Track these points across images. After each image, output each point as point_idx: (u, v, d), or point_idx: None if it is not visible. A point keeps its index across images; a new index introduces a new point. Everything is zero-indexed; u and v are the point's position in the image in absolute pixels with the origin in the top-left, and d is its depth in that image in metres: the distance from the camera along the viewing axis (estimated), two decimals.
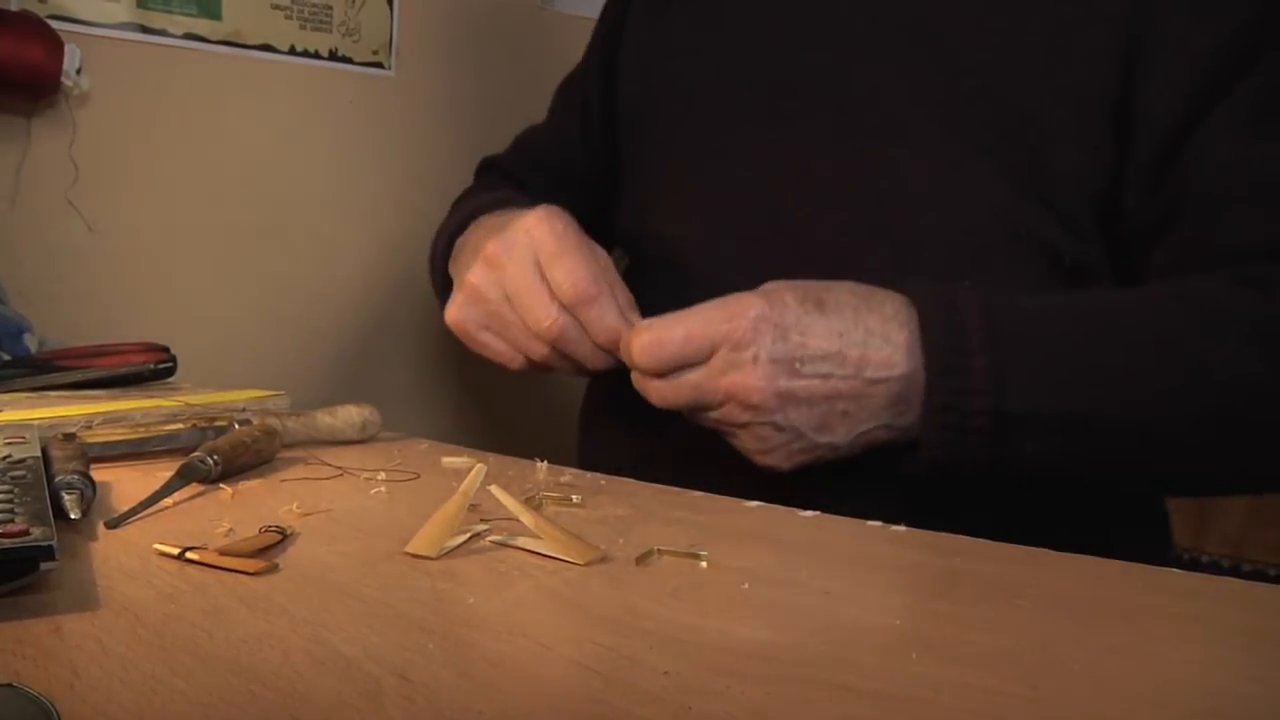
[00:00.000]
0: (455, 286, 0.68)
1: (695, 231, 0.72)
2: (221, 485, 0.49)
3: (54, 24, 0.85)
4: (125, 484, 0.49)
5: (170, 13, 0.93)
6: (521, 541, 0.40)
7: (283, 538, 0.39)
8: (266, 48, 0.99)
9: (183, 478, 0.47)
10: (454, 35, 1.12)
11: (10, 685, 0.23)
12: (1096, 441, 0.55)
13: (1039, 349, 0.54)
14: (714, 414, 0.57)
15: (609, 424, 0.79)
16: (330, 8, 1.02)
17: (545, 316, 0.61)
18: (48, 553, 0.31)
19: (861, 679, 0.27)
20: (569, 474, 0.57)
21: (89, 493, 0.42)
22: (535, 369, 0.67)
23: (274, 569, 0.35)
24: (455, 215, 0.79)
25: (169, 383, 0.78)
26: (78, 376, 0.73)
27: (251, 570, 0.35)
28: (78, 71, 0.86)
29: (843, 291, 0.56)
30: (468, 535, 0.40)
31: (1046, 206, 0.62)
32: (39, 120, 0.89)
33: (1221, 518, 1.51)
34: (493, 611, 0.32)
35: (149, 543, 0.38)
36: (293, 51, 1.01)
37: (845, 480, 0.58)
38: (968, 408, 0.53)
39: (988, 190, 0.62)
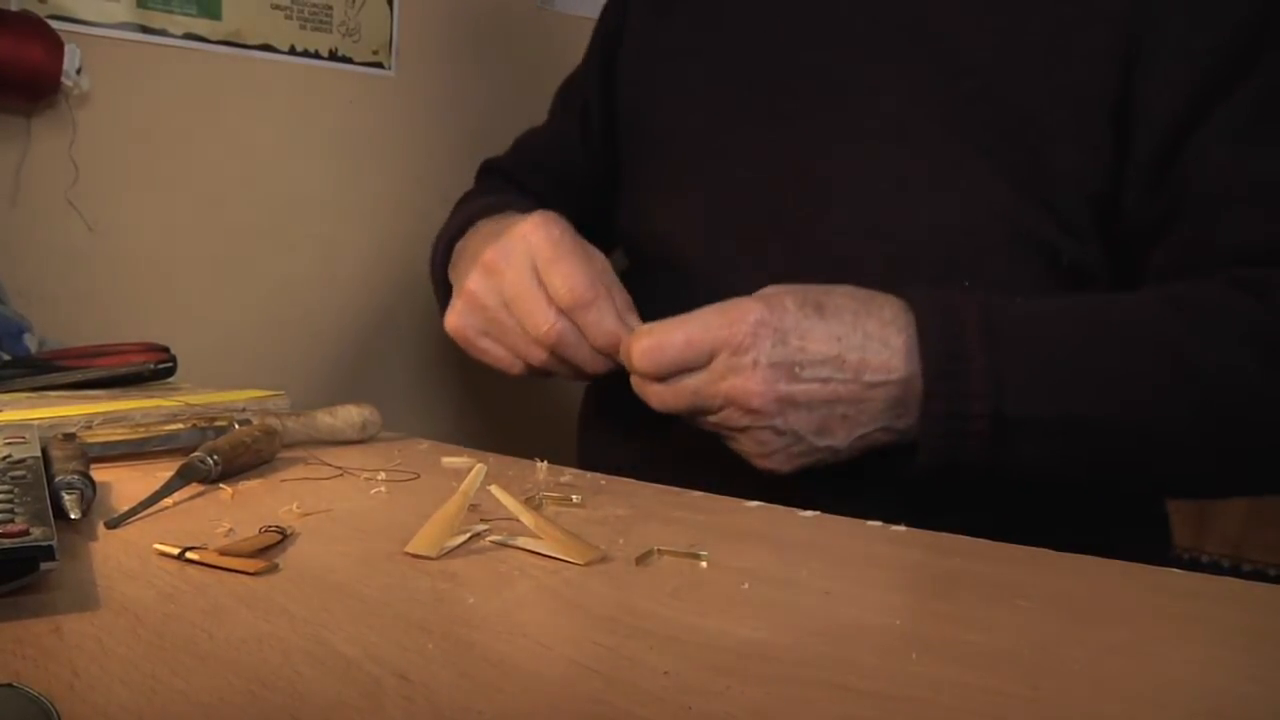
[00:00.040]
0: (454, 293, 0.68)
1: (695, 232, 0.72)
2: (221, 485, 0.49)
3: (54, 24, 0.85)
4: (125, 484, 0.49)
5: (170, 13, 0.93)
6: (521, 541, 0.40)
7: (283, 538, 0.39)
8: (266, 48, 0.99)
9: (183, 478, 0.47)
10: (454, 35, 1.12)
11: (10, 685, 0.23)
12: (1094, 445, 0.55)
13: (1037, 353, 0.55)
14: (713, 418, 0.57)
15: (608, 426, 0.79)
16: (330, 8, 1.02)
17: (543, 322, 0.61)
18: (48, 553, 0.31)
19: (861, 679, 0.27)
20: (569, 474, 0.57)
21: (89, 493, 0.42)
22: (535, 374, 0.67)
23: (274, 569, 0.35)
24: (454, 219, 0.79)
25: (169, 383, 0.78)
26: (78, 376, 0.73)
27: (251, 570, 0.35)
28: (78, 71, 0.86)
29: (841, 296, 0.56)
30: (468, 535, 0.40)
31: (1046, 207, 0.62)
32: (39, 120, 0.89)
33: (1221, 518, 1.51)
34: (493, 611, 0.32)
35: (149, 543, 0.38)
36: (293, 51, 1.01)
37: (845, 482, 0.58)
38: (966, 411, 0.53)
39: (987, 190, 0.62)
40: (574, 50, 0.94)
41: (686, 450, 0.63)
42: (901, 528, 0.46)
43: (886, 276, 0.59)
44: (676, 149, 0.76)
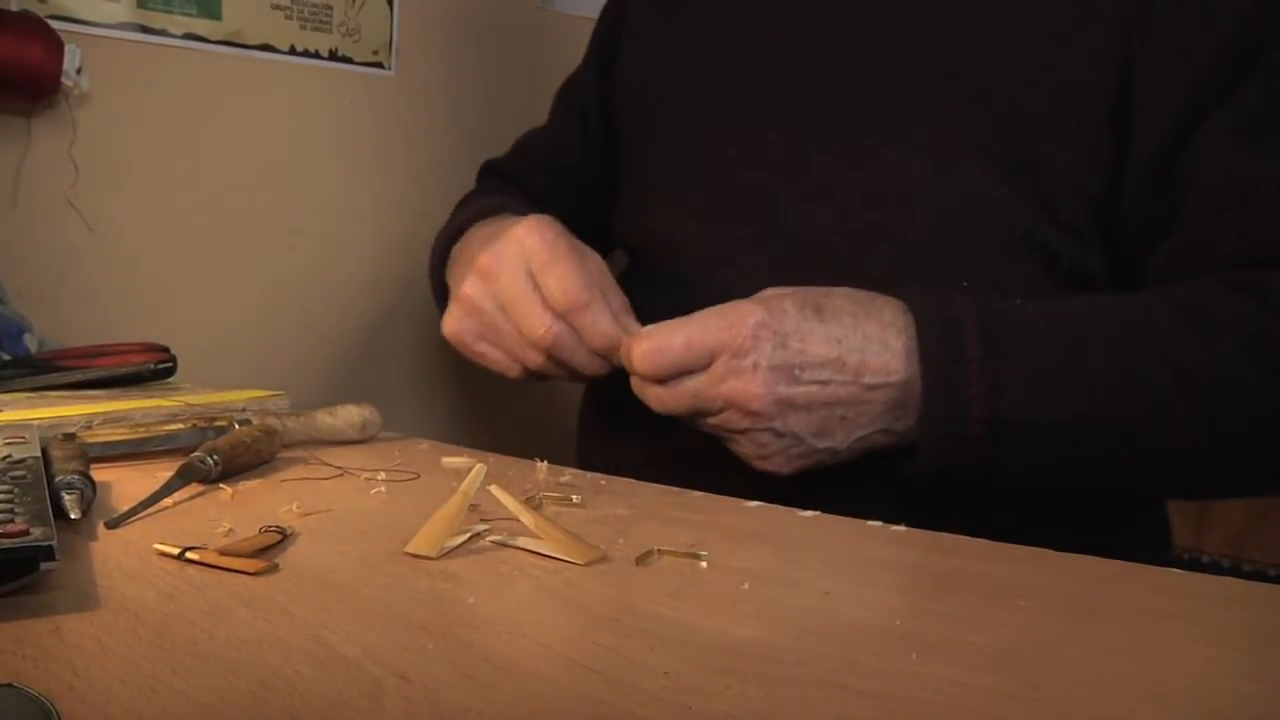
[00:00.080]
0: (451, 298, 0.68)
1: (693, 231, 0.72)
2: (221, 485, 0.49)
3: (54, 24, 0.85)
4: (125, 484, 0.49)
5: (170, 13, 0.93)
6: (521, 541, 0.40)
7: (283, 538, 0.39)
8: (266, 48, 0.99)
9: (183, 478, 0.47)
10: (454, 35, 1.12)
11: (10, 685, 0.23)
12: (1092, 448, 0.55)
13: (1035, 356, 0.55)
14: (713, 420, 0.57)
15: (608, 426, 0.79)
16: (330, 8, 1.02)
17: (539, 325, 0.61)
18: (48, 553, 0.31)
19: (861, 679, 0.27)
20: (569, 474, 0.57)
21: (89, 493, 0.42)
22: (532, 377, 0.67)
23: (274, 569, 0.35)
24: (452, 221, 0.79)
25: (169, 383, 0.78)
26: (78, 376, 0.73)
27: (251, 570, 0.35)
28: (78, 71, 0.85)
29: (840, 298, 0.56)
30: (468, 535, 0.40)
31: (1045, 208, 0.62)
32: (39, 120, 0.89)
33: (1221, 518, 1.51)
34: (493, 611, 0.32)
35: (149, 543, 0.38)
36: (293, 51, 1.01)
37: (844, 483, 0.58)
38: (964, 415, 0.53)
39: (986, 191, 0.62)
40: (574, 50, 0.94)
41: (686, 450, 0.63)
42: (901, 528, 0.46)
43: (886, 277, 0.59)
44: (675, 149, 0.76)
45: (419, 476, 0.54)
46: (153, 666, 0.26)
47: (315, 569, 0.36)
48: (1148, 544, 0.70)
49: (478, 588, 0.34)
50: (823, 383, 0.55)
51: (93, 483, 0.43)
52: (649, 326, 0.58)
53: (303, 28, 1.01)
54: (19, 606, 0.30)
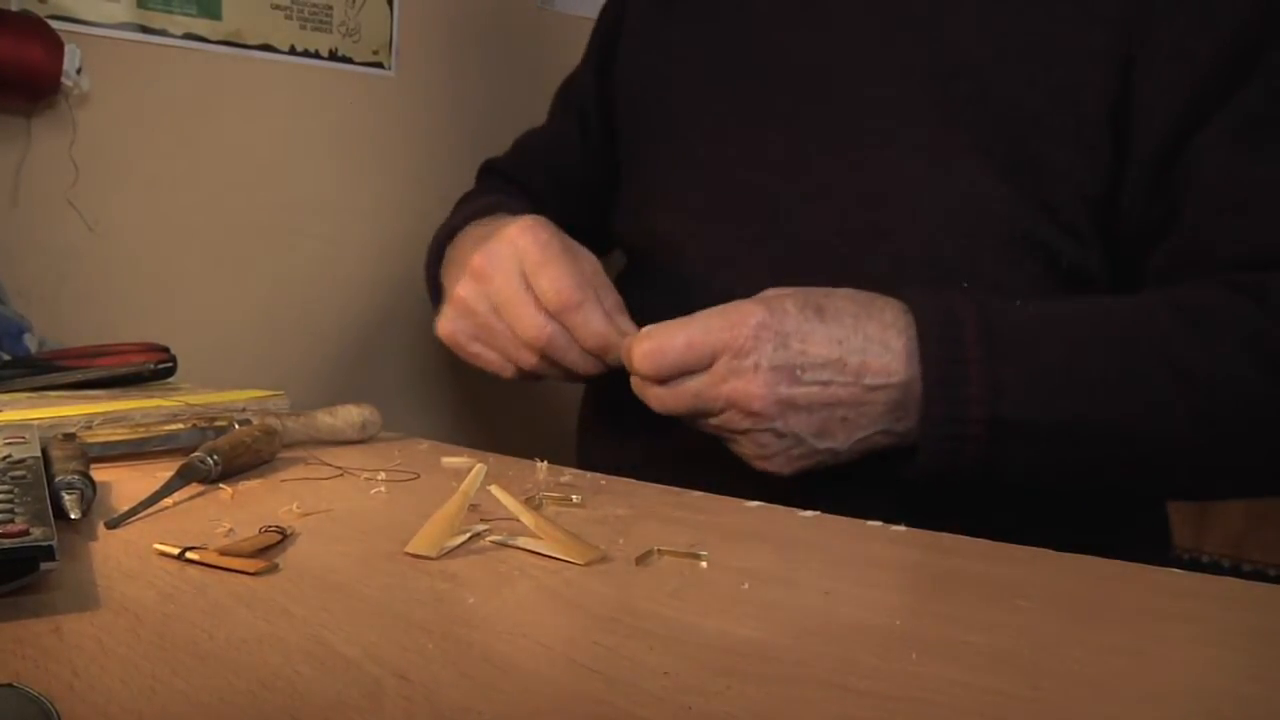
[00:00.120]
0: (445, 299, 0.68)
1: (693, 231, 0.72)
2: (221, 485, 0.49)
3: (54, 24, 0.85)
4: (125, 484, 0.49)
5: (170, 13, 0.93)
6: (521, 541, 0.40)
7: (283, 538, 0.39)
8: (266, 48, 0.99)
9: (183, 478, 0.47)
10: (454, 35, 1.12)
11: (10, 685, 0.23)
12: (1092, 449, 0.55)
13: (1035, 357, 0.55)
14: (714, 420, 0.57)
15: (608, 426, 0.79)
16: (330, 8, 1.02)
17: (532, 325, 0.61)
18: (48, 553, 0.31)
19: (861, 679, 0.27)
20: (569, 474, 0.57)
21: (89, 493, 0.42)
22: (527, 377, 0.67)
23: (274, 569, 0.35)
24: (448, 221, 0.79)
25: (169, 383, 0.78)
26: (78, 376, 0.73)
27: (251, 570, 0.35)
28: (78, 71, 0.85)
29: (841, 298, 0.56)
30: (468, 535, 0.40)
31: (1045, 208, 0.62)
32: (39, 120, 0.88)
33: (1221, 518, 1.50)
34: (493, 611, 0.32)
35: (149, 543, 0.38)
36: (293, 51, 1.01)
37: (844, 483, 0.58)
38: (965, 416, 0.53)
39: (985, 191, 0.62)
40: (574, 50, 0.94)
41: (686, 450, 0.63)
42: (901, 528, 0.46)
43: (886, 277, 0.59)
44: (674, 149, 0.76)
45: (419, 476, 0.54)
46: (153, 666, 0.26)
47: (315, 569, 0.36)
48: (1148, 544, 0.70)
49: (478, 588, 0.34)
50: (824, 383, 0.55)
51: (93, 483, 0.43)
52: (649, 326, 0.58)
53: (303, 28, 1.01)
54: (19, 606, 0.30)
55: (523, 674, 0.27)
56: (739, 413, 0.55)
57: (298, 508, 0.45)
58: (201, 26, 0.95)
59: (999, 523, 0.47)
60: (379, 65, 1.07)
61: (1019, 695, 0.26)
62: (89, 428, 0.57)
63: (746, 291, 0.57)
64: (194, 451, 0.49)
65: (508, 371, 0.67)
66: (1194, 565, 1.42)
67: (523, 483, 0.53)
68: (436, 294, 0.78)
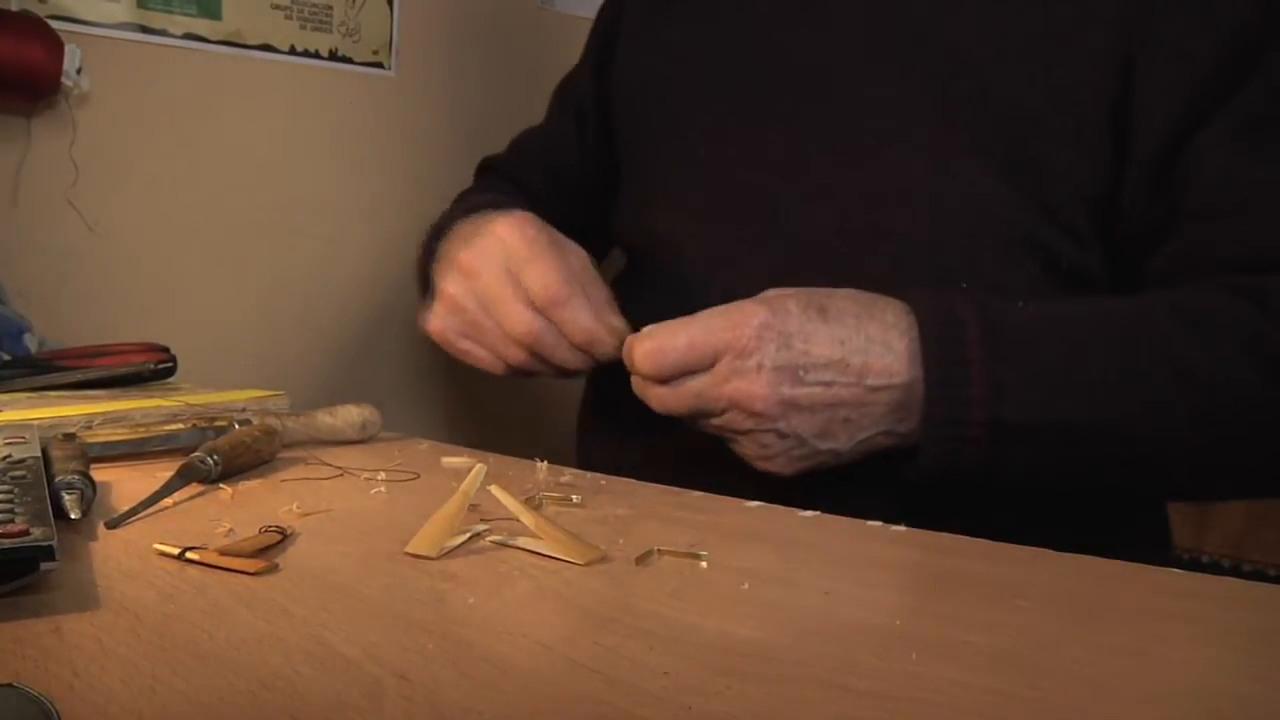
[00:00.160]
0: (435, 296, 0.68)
1: (693, 232, 0.72)
2: (221, 485, 0.49)
3: (54, 24, 0.85)
4: (125, 484, 0.49)
5: (170, 13, 0.93)
6: (521, 541, 0.40)
7: (283, 538, 0.39)
8: (266, 48, 0.99)
9: (183, 478, 0.47)
10: (454, 35, 1.12)
11: (10, 685, 0.23)
12: (1093, 450, 0.55)
13: (1037, 358, 0.55)
14: (716, 420, 0.57)
15: (608, 426, 0.79)
16: (330, 8, 1.02)
17: (520, 322, 0.62)
18: (48, 553, 0.31)
19: (861, 679, 0.27)
20: (569, 474, 0.57)
21: (89, 493, 0.42)
22: (517, 374, 0.67)
23: (274, 569, 0.35)
24: (440, 218, 0.79)
25: (169, 383, 0.78)
26: (78, 376, 0.73)
27: (251, 570, 0.35)
28: (78, 71, 0.85)
29: (844, 299, 0.56)
30: (468, 535, 0.40)
31: (1045, 208, 0.61)
32: (39, 120, 0.88)
33: (1221, 518, 1.50)
34: (493, 611, 0.32)
35: (149, 543, 0.38)
36: (293, 51, 1.01)
37: (844, 483, 0.58)
38: (966, 417, 0.53)
39: (985, 191, 0.62)
40: (574, 50, 0.94)
41: (686, 450, 0.63)
42: (901, 528, 0.46)
43: (886, 277, 0.59)
44: (673, 149, 0.76)
45: (419, 476, 0.54)
46: (153, 666, 0.26)
47: (315, 569, 0.36)
48: (1148, 544, 0.70)
49: (478, 588, 0.34)
50: (826, 384, 0.54)
51: (93, 483, 0.43)
52: (651, 326, 0.57)
53: (303, 28, 1.01)
54: (19, 606, 0.30)
55: (523, 674, 0.27)
56: (741, 413, 0.55)
57: (298, 508, 0.45)
58: (201, 26, 0.95)
59: (999, 523, 0.47)
60: (379, 65, 1.07)
61: (1019, 695, 0.26)
62: (89, 428, 0.57)
63: (747, 292, 0.57)
64: (194, 451, 0.49)
65: (497, 368, 0.67)
66: (1194, 565, 1.42)
67: (523, 483, 0.53)
68: (427, 290, 0.78)
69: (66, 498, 0.40)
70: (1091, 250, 0.62)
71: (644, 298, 0.65)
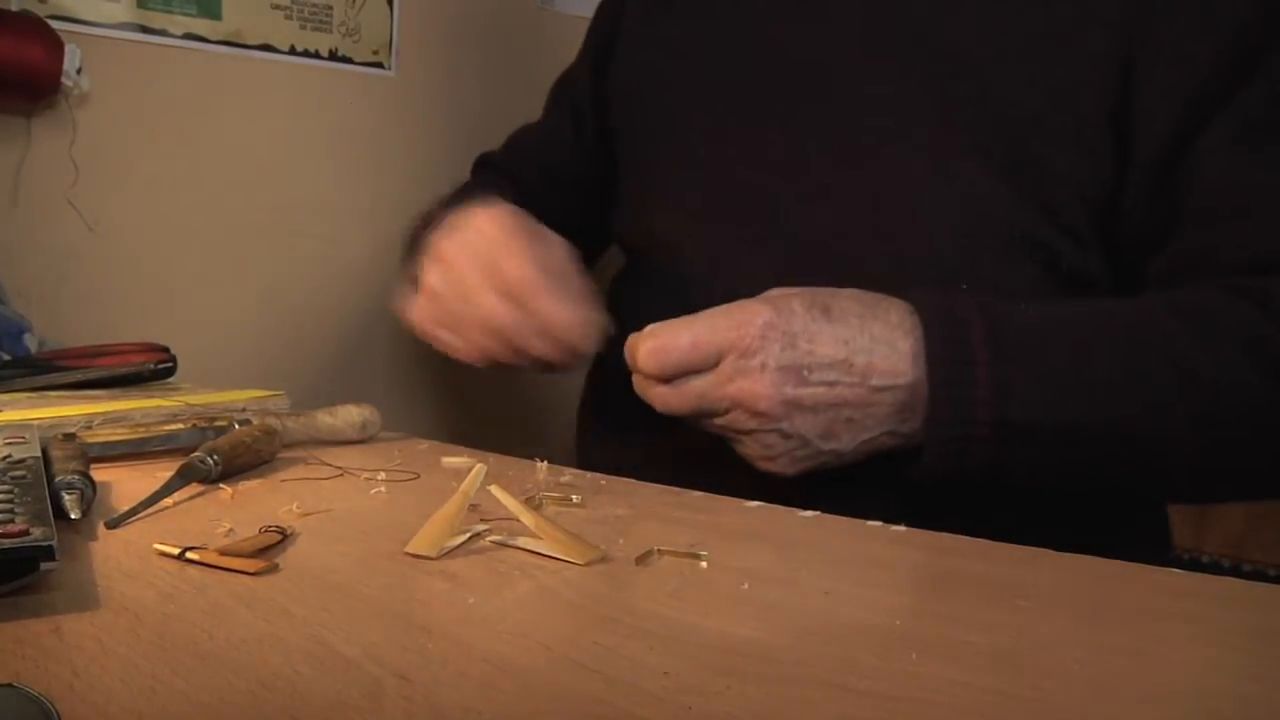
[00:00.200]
0: (415, 287, 0.68)
1: (692, 231, 0.72)
2: (221, 485, 0.49)
3: (54, 24, 0.85)
4: (125, 484, 0.49)
5: (170, 13, 0.93)
6: (521, 541, 0.40)
7: (283, 538, 0.39)
8: (266, 48, 0.99)
9: (183, 478, 0.47)
10: (454, 35, 1.12)
11: (10, 685, 0.23)
12: (1097, 451, 0.55)
13: (1041, 359, 0.54)
14: (719, 420, 0.57)
15: (608, 426, 0.79)
16: (330, 8, 1.02)
17: (493, 311, 0.62)
18: (48, 553, 0.31)
19: (861, 679, 0.27)
20: (569, 474, 0.57)
21: (89, 493, 0.42)
22: (498, 365, 0.67)
23: (274, 569, 0.35)
24: (429, 209, 0.79)
25: (169, 383, 0.78)
26: (78, 376, 0.73)
27: (251, 570, 0.35)
28: (78, 71, 0.85)
29: (848, 299, 0.56)
30: (468, 535, 0.40)
31: (1045, 210, 0.61)
32: (39, 120, 0.88)
33: (1221, 518, 1.51)
34: (493, 611, 0.32)
35: (149, 543, 0.38)
36: (293, 51, 1.01)
37: (845, 483, 0.58)
38: (971, 417, 0.53)
39: (986, 192, 0.62)
40: (573, 50, 0.94)
41: (687, 450, 0.63)
42: (901, 528, 0.46)
43: (885, 277, 0.59)
44: (673, 149, 0.76)
45: (419, 476, 0.54)
46: (153, 666, 0.26)
47: (315, 569, 0.36)
48: (1148, 544, 0.70)
49: (478, 588, 0.34)
50: (830, 384, 0.54)
51: (93, 483, 0.43)
52: (653, 325, 0.57)
53: (303, 28, 1.01)
54: (19, 606, 0.30)
55: (522, 674, 0.27)
56: (745, 413, 0.55)
57: (298, 508, 0.45)
58: (201, 26, 0.95)
59: (999, 523, 0.47)
60: (379, 65, 1.07)
61: (1019, 695, 0.26)
62: (89, 428, 0.57)
63: (747, 291, 0.57)
64: (194, 451, 0.49)
65: (474, 358, 0.67)
66: (1194, 565, 1.42)
67: (523, 483, 0.53)
68: (410, 280, 0.78)
69: (66, 498, 0.40)
70: (1092, 252, 0.62)
71: (643, 297, 0.65)
